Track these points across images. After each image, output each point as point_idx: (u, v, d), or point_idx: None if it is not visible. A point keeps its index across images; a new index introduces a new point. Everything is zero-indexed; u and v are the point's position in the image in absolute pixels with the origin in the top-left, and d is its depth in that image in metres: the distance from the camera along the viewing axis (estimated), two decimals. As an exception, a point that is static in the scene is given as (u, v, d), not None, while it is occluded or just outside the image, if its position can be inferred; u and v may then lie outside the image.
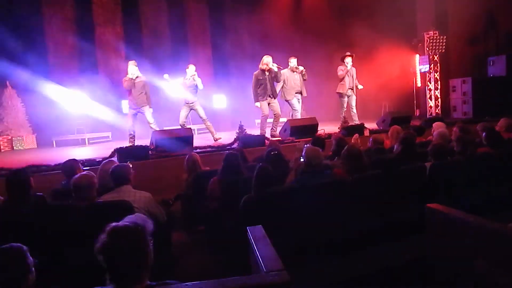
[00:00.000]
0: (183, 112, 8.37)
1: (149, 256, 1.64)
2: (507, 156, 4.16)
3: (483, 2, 11.97)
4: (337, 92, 9.14)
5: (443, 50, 12.52)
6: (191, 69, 8.27)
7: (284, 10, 13.74)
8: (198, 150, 6.54)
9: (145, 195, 3.45)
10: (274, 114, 8.29)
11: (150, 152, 6.38)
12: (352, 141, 5.33)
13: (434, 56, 12.72)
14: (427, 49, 12.53)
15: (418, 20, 13.77)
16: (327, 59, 12.46)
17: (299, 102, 8.74)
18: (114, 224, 1.64)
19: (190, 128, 7.66)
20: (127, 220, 1.68)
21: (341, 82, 9.02)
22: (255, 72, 8.18)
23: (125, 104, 11.60)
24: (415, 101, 13.44)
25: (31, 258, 1.77)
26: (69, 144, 10.31)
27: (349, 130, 7.71)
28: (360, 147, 4.40)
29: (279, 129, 8.33)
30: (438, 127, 5.66)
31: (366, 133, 7.90)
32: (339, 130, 8.22)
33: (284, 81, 8.48)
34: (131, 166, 3.67)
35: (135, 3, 12.12)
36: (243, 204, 3.22)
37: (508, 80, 11.07)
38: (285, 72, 8.50)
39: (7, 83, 10.23)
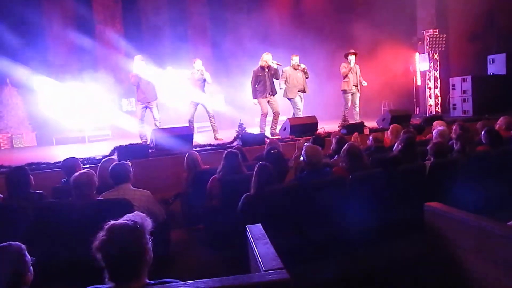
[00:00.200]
0: (191, 108, 8.26)
1: (147, 254, 1.64)
2: (507, 154, 4.16)
3: (483, 1, 11.96)
4: (342, 90, 9.09)
5: (443, 49, 12.51)
6: (198, 63, 8.16)
7: (285, 7, 13.74)
8: (198, 149, 6.53)
9: (145, 193, 3.45)
10: (274, 112, 8.27)
11: (150, 150, 6.37)
12: (352, 140, 5.33)
13: (434, 54, 12.72)
14: (427, 47, 12.53)
15: (418, 18, 13.75)
16: (327, 57, 12.45)
17: (301, 100, 8.70)
18: (112, 222, 1.64)
19: (189, 126, 7.63)
20: (126, 218, 1.68)
21: (344, 80, 8.97)
22: (255, 69, 8.17)
23: (125, 102, 11.64)
24: (415, 100, 13.45)
25: (29, 256, 1.78)
26: (69, 142, 10.31)
27: (349, 128, 7.70)
28: (360, 146, 4.40)
29: (278, 127, 8.32)
30: (438, 126, 5.66)
31: (366, 131, 7.90)
32: (339, 128, 8.21)
33: (286, 79, 8.45)
34: (130, 164, 3.67)
35: (135, 1, 12.11)
36: (242, 202, 3.22)
37: (508, 78, 11.06)
38: (287, 70, 8.47)
39: (7, 80, 10.24)
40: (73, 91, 10.57)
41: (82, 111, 10.77)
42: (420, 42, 13.12)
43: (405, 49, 13.37)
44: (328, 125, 8.85)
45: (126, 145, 6.20)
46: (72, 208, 3.08)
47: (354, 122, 8.60)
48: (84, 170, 3.30)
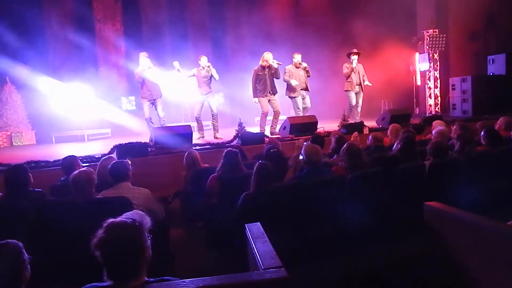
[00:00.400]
0: (198, 105, 8.25)
1: (146, 252, 1.64)
2: (506, 154, 4.16)
3: (484, 1, 11.96)
4: (345, 90, 9.08)
5: (443, 48, 12.52)
6: (204, 60, 8.15)
7: (285, 6, 13.71)
8: (197, 147, 6.53)
9: (144, 191, 3.45)
10: (274, 112, 8.28)
11: (149, 149, 6.37)
12: (352, 139, 5.34)
13: (434, 54, 12.72)
14: (427, 47, 12.53)
15: (418, 18, 13.76)
16: (327, 57, 12.45)
17: (305, 98, 8.65)
18: (111, 220, 1.64)
19: (189, 125, 7.63)
20: (125, 216, 1.68)
21: (347, 80, 8.96)
22: (255, 68, 8.16)
23: (124, 101, 11.62)
24: (414, 99, 13.45)
25: (26, 254, 1.77)
26: (68, 140, 10.30)
27: (348, 128, 7.71)
28: (360, 145, 4.40)
29: (278, 126, 8.32)
30: (437, 125, 5.66)
31: (366, 131, 7.90)
32: (338, 128, 8.21)
33: (289, 77, 8.45)
34: (130, 162, 3.67)
35: (135, -1, 12.12)
36: (242, 201, 3.22)
37: (508, 78, 11.06)
38: (289, 68, 8.46)
39: (7, 79, 10.23)
40: (72, 89, 10.56)
41: (82, 110, 10.76)
42: (420, 42, 13.13)
43: (405, 48, 13.37)
44: (327, 125, 8.85)
45: (125, 143, 6.21)
46: (71, 206, 3.08)
47: (353, 122, 8.61)
48: (84, 168, 3.30)
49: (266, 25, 13.05)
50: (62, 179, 4.07)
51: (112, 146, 6.18)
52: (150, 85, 7.76)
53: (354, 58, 8.92)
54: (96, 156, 5.78)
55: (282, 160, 4.41)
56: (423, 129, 6.75)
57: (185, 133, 6.87)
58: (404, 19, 13.12)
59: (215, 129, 8.36)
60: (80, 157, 4.99)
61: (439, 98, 12.90)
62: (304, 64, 8.51)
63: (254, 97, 8.21)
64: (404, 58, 13.40)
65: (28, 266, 1.77)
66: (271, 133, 8.07)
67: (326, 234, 3.05)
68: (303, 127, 7.74)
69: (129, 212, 1.75)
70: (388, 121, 8.20)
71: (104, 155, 5.38)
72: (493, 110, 9.56)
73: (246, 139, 6.95)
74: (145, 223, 1.69)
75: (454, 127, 5.47)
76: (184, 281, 1.61)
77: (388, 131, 5.76)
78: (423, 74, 13.36)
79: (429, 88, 12.99)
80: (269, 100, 8.13)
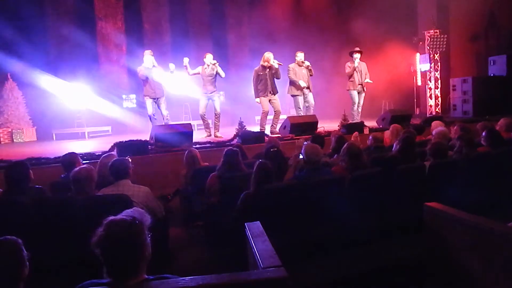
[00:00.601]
0: (202, 102, 8.22)
1: (146, 250, 1.64)
2: (507, 155, 4.17)
3: (485, 2, 11.96)
4: (347, 89, 9.03)
5: (444, 49, 12.51)
6: (209, 57, 8.12)
7: (287, 4, 13.69)
8: (197, 146, 6.54)
9: (144, 189, 3.45)
10: (275, 111, 8.28)
11: (149, 147, 6.37)
12: (352, 139, 5.34)
13: (435, 55, 12.72)
14: (428, 47, 12.53)
15: (419, 18, 13.75)
16: (327, 57, 12.44)
17: (306, 96, 8.62)
18: (111, 217, 1.64)
19: (190, 123, 7.63)
20: (124, 214, 1.68)
21: (350, 79, 8.92)
22: (256, 68, 8.16)
23: (125, 99, 11.62)
24: (415, 100, 13.45)
25: (25, 251, 1.78)
26: (68, 138, 10.31)
27: (349, 128, 7.70)
28: (360, 145, 4.39)
29: (279, 126, 8.32)
30: (436, 126, 5.66)
31: (366, 131, 7.90)
32: (339, 127, 8.21)
33: (294, 76, 8.42)
34: (130, 160, 3.67)
35: (136, -3, 12.10)
36: (241, 200, 3.22)
37: (509, 80, 11.06)
38: (293, 66, 8.43)
39: (8, 75, 10.23)
40: (73, 87, 10.56)
41: (83, 107, 10.76)
42: (421, 43, 13.11)
43: (406, 49, 13.36)
44: (328, 124, 8.85)
45: (126, 141, 6.21)
46: (71, 203, 3.08)
47: (354, 122, 8.60)
48: (84, 165, 3.30)
49: (267, 23, 13.03)
50: (62, 176, 4.07)
51: (112, 144, 6.19)
52: (153, 84, 7.74)
53: (357, 56, 8.86)
54: (97, 154, 5.79)
55: (282, 159, 4.41)
56: (423, 130, 6.76)
57: (186, 132, 6.88)
58: (405, 19, 13.12)
59: (216, 128, 8.36)
60: (80, 154, 5.00)
61: (439, 98, 12.90)
62: (307, 63, 8.47)
63: (256, 97, 8.20)
64: (405, 58, 13.39)
65: (27, 262, 1.78)
66: (272, 133, 8.07)
67: (326, 233, 3.05)
68: (303, 126, 7.74)
69: (129, 210, 1.75)
70: (388, 122, 8.20)
71: (105, 152, 5.38)
72: (494, 111, 9.56)
73: (246, 138, 6.95)
74: (144, 221, 1.69)
75: (455, 128, 5.48)
76: (183, 279, 1.61)
77: (389, 132, 5.76)
78: (423, 74, 13.35)
79: (430, 88, 12.99)
80: (269, 100, 8.13)
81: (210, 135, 8.26)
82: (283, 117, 9.08)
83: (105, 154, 4.41)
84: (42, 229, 2.89)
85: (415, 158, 4.06)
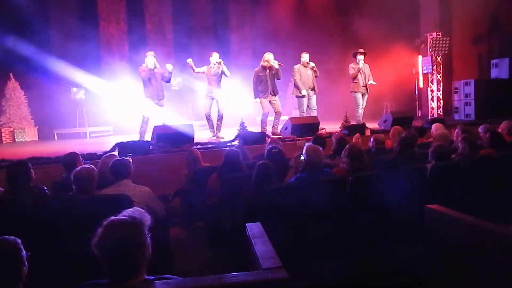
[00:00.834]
0: (207, 102, 8.15)
1: (146, 251, 1.64)
2: (509, 158, 4.16)
3: (487, 5, 11.95)
4: (351, 91, 8.94)
5: (446, 52, 12.49)
6: (215, 56, 8.04)
7: (290, 5, 13.70)
8: (198, 146, 6.54)
9: (145, 189, 3.45)
10: (275, 112, 8.26)
11: (150, 147, 6.38)
12: (353, 141, 5.33)
13: (437, 57, 12.70)
14: (430, 50, 12.51)
15: (421, 21, 13.75)
16: (330, 58, 12.44)
17: (311, 98, 8.60)
18: (111, 217, 1.64)
19: (191, 124, 7.63)
20: (124, 214, 1.68)
21: (354, 81, 8.83)
22: (256, 69, 8.14)
23: (128, 98, 11.62)
24: (417, 102, 13.43)
25: (24, 251, 1.77)
26: (70, 137, 10.33)
27: (350, 129, 7.70)
28: (361, 147, 4.39)
29: (280, 127, 8.32)
30: (437, 129, 5.65)
31: (368, 133, 7.89)
32: (340, 129, 8.20)
33: (299, 77, 8.38)
34: (131, 160, 3.67)
35: (140, -2, 12.13)
36: (242, 200, 3.22)
37: (511, 82, 11.04)
38: (298, 67, 8.42)
39: (11, 75, 10.26)
40: (75, 86, 10.59)
41: (84, 107, 10.78)
42: (423, 45, 13.11)
43: (408, 51, 13.36)
44: (330, 126, 8.84)
45: (127, 141, 6.22)
46: (72, 203, 3.08)
47: (356, 123, 8.59)
48: (85, 165, 3.30)
49: (270, 24, 13.05)
50: (63, 175, 4.08)
51: (114, 144, 6.19)
52: (156, 86, 7.59)
53: (361, 58, 8.80)
54: (98, 154, 5.78)
55: (283, 160, 4.41)
56: (425, 132, 6.74)
57: (187, 132, 6.88)
58: (408, 22, 13.11)
59: (218, 128, 8.34)
60: (81, 154, 5.00)
61: (441, 101, 12.88)
62: (312, 64, 8.44)
63: (255, 98, 8.19)
64: (407, 60, 13.39)
65: (26, 262, 1.77)
66: (273, 133, 8.06)
67: (326, 235, 3.04)
68: (305, 128, 7.74)
69: (129, 210, 1.75)
70: (390, 123, 8.20)
71: (106, 152, 5.39)
72: (496, 114, 9.53)
73: (247, 139, 6.95)
74: (145, 221, 1.69)
75: (456, 130, 5.47)
76: (183, 280, 1.61)
77: (390, 134, 5.75)
78: (425, 76, 13.33)
79: (432, 91, 12.97)
80: (270, 101, 8.10)
81: (215, 136, 8.21)
82: (284, 118, 9.07)
83: (106, 154, 4.42)
84: (42, 229, 2.89)
85: (414, 160, 4.04)
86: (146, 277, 1.64)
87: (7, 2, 10.02)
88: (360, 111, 8.98)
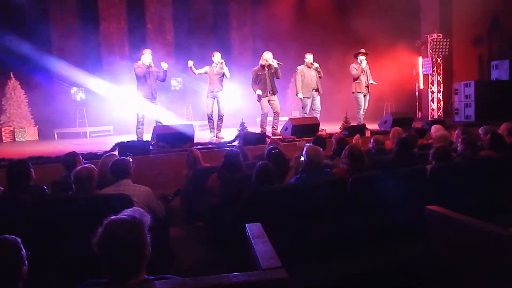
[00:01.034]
0: (209, 102, 8.09)
1: (146, 250, 1.64)
2: (510, 160, 4.16)
3: (488, 6, 11.95)
4: (353, 92, 8.87)
5: (447, 53, 12.50)
6: (217, 56, 8.00)
7: (290, 6, 13.69)
8: (199, 147, 6.54)
9: (145, 189, 3.45)
10: (274, 112, 8.21)
11: (151, 147, 6.38)
12: (353, 142, 5.33)
13: (438, 58, 12.71)
14: (431, 51, 12.52)
15: (422, 22, 13.76)
16: (331, 59, 12.43)
17: (315, 99, 8.57)
18: (111, 217, 1.64)
19: (191, 124, 7.63)
20: (125, 213, 1.68)
21: (356, 81, 8.76)
22: (255, 68, 8.11)
23: (129, 98, 11.63)
24: (417, 103, 13.44)
25: (24, 250, 1.78)
26: (70, 137, 10.34)
27: (350, 130, 7.70)
28: (361, 148, 4.39)
29: (280, 127, 8.31)
30: (437, 130, 5.65)
31: (368, 133, 7.89)
32: (340, 130, 8.20)
33: (301, 78, 8.38)
34: (131, 160, 3.67)
35: (140, -3, 12.14)
36: (242, 201, 3.22)
37: (511, 84, 11.04)
38: (301, 68, 8.40)
39: (11, 74, 10.26)
40: (75, 86, 10.60)
41: (84, 107, 10.79)
42: (423, 46, 13.12)
43: (408, 52, 13.36)
44: (330, 127, 8.84)
45: (127, 141, 6.22)
46: (72, 203, 3.08)
47: (356, 124, 8.58)
48: (85, 165, 3.30)
49: (270, 24, 13.05)
50: (63, 175, 4.08)
51: (114, 144, 6.19)
52: (150, 84, 7.47)
53: (362, 58, 8.76)
54: (98, 153, 5.79)
55: (283, 161, 4.40)
56: (425, 133, 6.75)
57: (187, 132, 6.88)
58: (408, 23, 13.12)
59: (218, 129, 8.33)
60: (81, 153, 5.00)
61: (441, 102, 12.89)
62: (316, 65, 8.41)
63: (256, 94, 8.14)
64: (407, 61, 13.39)
65: (26, 261, 1.78)
66: (273, 134, 8.05)
67: (327, 235, 3.05)
68: (305, 128, 7.74)
69: (129, 209, 1.75)
70: (390, 124, 8.20)
71: (106, 152, 5.39)
72: (496, 115, 9.53)
73: (247, 139, 6.95)
74: (145, 221, 1.69)
75: (456, 131, 5.47)
76: (183, 280, 1.61)
77: (390, 135, 5.76)
78: (426, 78, 13.34)
79: (432, 92, 12.97)
80: (269, 101, 8.07)
81: (215, 137, 8.16)
82: (284, 118, 9.07)
83: (107, 154, 4.42)
84: (42, 228, 2.89)
85: (413, 160, 4.04)
86: (146, 276, 1.64)
87: (8, 2, 10.03)
88: (362, 112, 8.95)
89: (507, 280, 2.04)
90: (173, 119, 9.03)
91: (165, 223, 3.65)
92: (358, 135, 6.00)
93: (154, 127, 7.19)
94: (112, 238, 1.58)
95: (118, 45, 11.64)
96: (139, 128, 7.59)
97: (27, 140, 10.15)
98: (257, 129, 8.21)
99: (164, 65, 7.63)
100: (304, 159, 3.67)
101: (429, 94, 13.04)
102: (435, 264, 2.63)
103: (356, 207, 3.28)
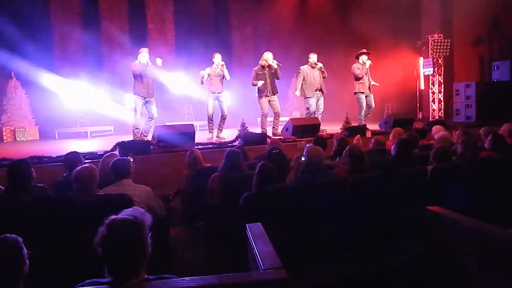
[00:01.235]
0: (210, 103, 8.08)
1: (147, 250, 1.64)
2: (510, 161, 4.15)
3: (488, 7, 11.95)
4: (356, 92, 8.79)
5: (448, 53, 12.49)
6: (218, 57, 8.00)
7: (291, 6, 13.70)
8: (199, 147, 6.54)
9: (145, 189, 3.45)
10: (274, 113, 8.20)
11: (151, 147, 6.38)
12: (354, 142, 5.33)
13: (438, 59, 12.70)
14: (432, 52, 12.52)
15: (423, 23, 13.76)
16: (331, 59, 12.42)
17: (319, 101, 8.55)
18: (113, 217, 1.64)
19: (192, 124, 7.63)
20: (125, 213, 1.68)
21: (359, 81, 8.69)
22: (255, 68, 8.10)
23: (129, 98, 11.65)
24: (418, 104, 13.43)
25: (25, 249, 1.78)
26: (71, 137, 10.33)
27: (351, 131, 7.69)
28: (362, 148, 4.39)
29: (280, 127, 8.31)
30: (438, 131, 5.65)
31: (368, 134, 7.89)
32: (341, 130, 8.20)
33: (303, 78, 8.36)
34: (132, 160, 3.68)
35: (141, -3, 12.15)
36: (243, 201, 3.22)
37: (512, 85, 11.05)
38: (304, 69, 8.38)
39: (12, 74, 10.27)
40: (76, 86, 10.60)
41: (85, 106, 10.80)
42: (424, 47, 13.12)
43: (409, 53, 13.36)
44: (331, 127, 8.83)
45: (128, 141, 6.23)
46: (73, 202, 3.08)
47: (357, 125, 8.56)
48: (86, 165, 3.30)
49: (272, 24, 13.05)
50: (64, 175, 4.08)
51: (114, 143, 6.20)
52: (146, 83, 7.42)
53: (365, 58, 8.70)
54: (99, 153, 5.79)
55: (284, 161, 4.40)
56: (426, 134, 6.74)
57: (188, 132, 6.88)
58: (409, 23, 13.12)
59: (219, 129, 8.33)
60: (82, 153, 5.00)
61: (442, 103, 12.89)
62: (320, 64, 8.37)
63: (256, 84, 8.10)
64: (408, 62, 13.39)
65: (27, 260, 1.78)
66: (274, 134, 8.05)
67: (327, 235, 3.05)
68: (305, 129, 7.74)
69: (129, 209, 1.75)
70: (391, 125, 8.20)
71: (107, 152, 5.39)
72: (497, 116, 9.53)
73: (248, 139, 6.95)
74: (145, 220, 1.69)
75: (457, 132, 5.47)
76: (183, 280, 1.61)
77: (391, 135, 5.75)
78: (426, 78, 13.34)
79: (433, 93, 12.97)
80: (269, 101, 8.06)
81: (211, 138, 8.14)
82: (285, 119, 9.07)
83: (107, 154, 4.42)
84: (43, 228, 2.89)
85: (412, 161, 4.03)
86: (146, 276, 1.64)
87: (9, 2, 10.04)
88: (363, 112, 8.90)
89: (507, 280, 2.04)
90: (172, 120, 9.01)
91: (165, 223, 3.65)
92: (359, 135, 6.00)
93: (155, 127, 7.20)
94: (113, 237, 1.58)
95: (119, 45, 11.65)
96: (137, 128, 7.61)
97: (28, 140, 10.16)
98: (257, 130, 8.21)
99: (159, 61, 7.65)
100: (305, 160, 3.67)
101: (430, 94, 13.04)
102: (435, 264, 2.63)
103: (357, 207, 3.28)
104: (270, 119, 8.46)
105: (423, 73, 13.33)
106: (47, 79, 10.25)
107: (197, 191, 4.23)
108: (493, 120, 9.17)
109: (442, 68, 12.85)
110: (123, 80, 11.40)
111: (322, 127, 8.19)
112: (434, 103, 12.94)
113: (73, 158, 4.11)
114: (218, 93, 8.09)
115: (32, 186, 3.44)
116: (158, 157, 6.15)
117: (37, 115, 10.63)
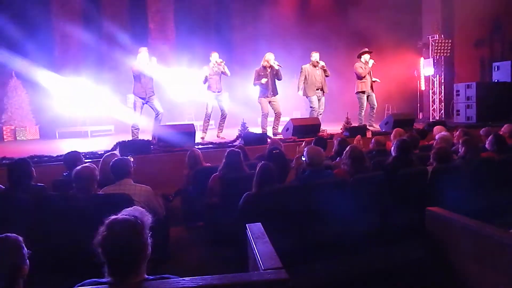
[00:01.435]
0: (208, 102, 8.10)
1: (147, 250, 1.64)
2: (510, 161, 4.15)
3: (489, 8, 11.95)
4: (358, 92, 8.74)
5: (448, 54, 12.49)
6: (215, 56, 8.00)
7: (292, 5, 13.69)
8: (200, 146, 6.54)
9: (145, 189, 3.45)
10: (275, 113, 8.20)
11: (152, 146, 6.38)
12: (355, 142, 5.33)
13: (439, 59, 12.69)
14: (432, 52, 12.51)
15: (423, 23, 13.76)
16: (332, 59, 12.42)
17: (320, 100, 8.55)
18: (113, 217, 1.64)
19: (192, 123, 7.62)
20: (125, 213, 1.68)
21: (362, 81, 8.65)
22: (257, 68, 8.10)
23: (130, 98, 11.65)
24: (418, 104, 13.43)
25: (25, 248, 1.78)
26: (71, 136, 10.34)
27: (351, 131, 7.69)
28: (362, 149, 4.38)
29: (281, 127, 8.31)
30: (439, 131, 5.65)
31: (369, 134, 7.88)
32: (341, 130, 8.19)
33: (305, 77, 8.34)
34: (132, 160, 3.67)
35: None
36: (243, 201, 3.22)
37: (513, 86, 11.04)
38: (306, 68, 8.36)
39: (13, 73, 10.27)
40: (77, 85, 10.61)
41: (86, 106, 10.80)
42: (425, 48, 13.12)
43: (410, 53, 13.36)
44: (331, 128, 8.82)
45: (128, 140, 6.23)
46: (73, 202, 3.08)
47: (357, 125, 8.55)
48: (86, 164, 3.30)
49: (273, 23, 13.03)
50: (64, 174, 4.08)
51: (115, 143, 6.19)
52: (145, 83, 7.39)
53: (367, 57, 8.67)
54: (99, 153, 5.79)
55: (284, 161, 4.40)
56: (426, 134, 6.73)
57: (188, 132, 6.88)
58: (410, 24, 13.12)
59: (220, 129, 8.32)
60: (83, 153, 5.01)
61: (443, 103, 12.88)
62: (322, 63, 8.35)
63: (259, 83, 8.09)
64: (408, 63, 13.39)
65: (27, 260, 1.78)
66: (274, 134, 8.05)
67: (327, 236, 3.05)
68: (306, 129, 7.73)
69: (129, 209, 1.75)
70: (391, 125, 8.19)
71: (107, 151, 5.39)
72: (497, 117, 9.53)
73: (248, 139, 6.95)
74: (145, 220, 1.69)
75: (457, 133, 5.47)
76: (183, 279, 1.61)
77: (391, 136, 5.75)
78: (427, 79, 13.34)
79: (433, 93, 12.97)
80: (270, 102, 8.06)
81: (203, 138, 7.96)
82: (286, 119, 9.06)
83: (108, 153, 4.42)
84: (43, 227, 2.89)
85: (411, 162, 4.03)
86: (146, 276, 1.64)
87: (10, 1, 10.05)
88: (363, 112, 8.88)
89: (507, 281, 2.04)
90: (172, 120, 9.00)
91: (165, 223, 3.65)
92: (359, 136, 6.00)
93: (155, 126, 7.19)
94: (113, 237, 1.58)
95: (120, 44, 11.64)
96: (136, 128, 7.61)
97: (28, 139, 10.17)
98: (258, 130, 8.20)
99: (153, 61, 7.60)
100: (305, 160, 3.67)
101: (431, 95, 13.04)
102: (435, 265, 2.63)
103: (357, 207, 3.27)
104: (270, 119, 8.46)
105: (424, 73, 13.33)
106: (47, 78, 10.26)
107: (198, 191, 4.23)
108: (494, 120, 9.16)
109: (443, 68, 12.84)
110: (123, 79, 11.40)
111: (322, 127, 8.18)
112: (434, 104, 12.94)
113: (73, 158, 4.12)
114: (218, 92, 8.08)
115: (32, 185, 3.44)
116: (158, 157, 6.15)
117: (37, 114, 10.64)
